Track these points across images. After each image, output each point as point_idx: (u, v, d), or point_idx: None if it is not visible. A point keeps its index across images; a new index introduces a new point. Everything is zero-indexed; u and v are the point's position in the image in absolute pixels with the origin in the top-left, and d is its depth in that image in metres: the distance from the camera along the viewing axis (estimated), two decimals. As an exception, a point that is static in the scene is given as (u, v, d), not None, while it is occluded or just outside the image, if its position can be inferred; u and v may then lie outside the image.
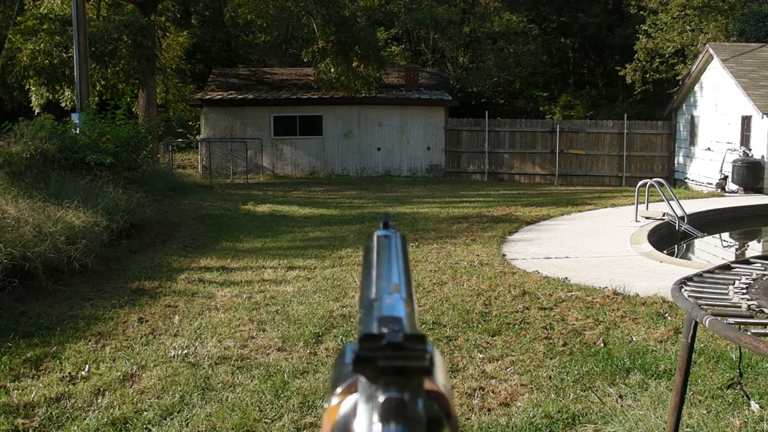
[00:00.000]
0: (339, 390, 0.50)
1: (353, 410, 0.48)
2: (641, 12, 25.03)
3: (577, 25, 29.68)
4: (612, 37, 29.86)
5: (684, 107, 20.42)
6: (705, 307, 2.77)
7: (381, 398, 0.47)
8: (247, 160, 20.57)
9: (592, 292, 6.68)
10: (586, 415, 3.93)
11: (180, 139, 25.19)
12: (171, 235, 10.38)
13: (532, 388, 4.32)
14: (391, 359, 0.47)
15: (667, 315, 5.80)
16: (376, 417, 0.46)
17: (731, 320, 2.63)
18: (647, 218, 11.48)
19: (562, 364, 4.71)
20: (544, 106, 30.73)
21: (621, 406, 4.03)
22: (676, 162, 20.69)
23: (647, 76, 25.13)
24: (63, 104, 17.91)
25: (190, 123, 26.49)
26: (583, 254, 8.83)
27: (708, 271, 3.36)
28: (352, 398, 0.49)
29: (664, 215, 11.43)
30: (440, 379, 0.50)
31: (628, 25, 28.14)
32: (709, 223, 12.30)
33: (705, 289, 3.07)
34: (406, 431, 0.46)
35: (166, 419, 3.94)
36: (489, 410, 4.01)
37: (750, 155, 16.69)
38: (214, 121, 21.38)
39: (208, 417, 3.95)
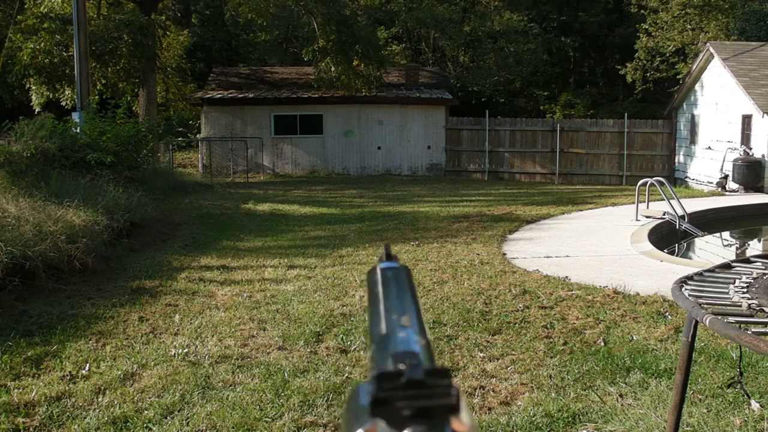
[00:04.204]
0: None
1: None
2: (642, 11, 25.01)
3: (578, 24, 29.67)
4: (612, 36, 29.85)
5: (684, 106, 20.41)
6: (705, 306, 2.77)
7: None
8: (248, 159, 20.57)
9: (592, 291, 6.68)
10: (587, 414, 3.93)
11: (180, 138, 25.18)
12: (171, 234, 10.38)
13: (532, 387, 4.32)
14: (413, 399, 0.42)
15: (667, 314, 5.80)
16: None
17: (732, 319, 2.63)
18: (648, 217, 11.48)
19: (563, 363, 4.71)
20: (545, 105, 30.73)
21: (621, 405, 4.03)
22: (676, 161, 20.68)
23: (648, 75, 25.11)
24: (63, 103, 17.91)
25: (190, 122, 26.49)
26: (584, 253, 8.83)
27: (708, 270, 3.36)
28: None
29: (664, 214, 11.42)
30: (466, 418, 0.45)
31: (628, 24, 28.13)
32: (710, 222, 12.30)
33: (705, 288, 3.07)
34: None
35: (166, 418, 3.94)
36: (489, 409, 4.01)
37: (750, 154, 16.69)
38: (215, 120, 21.38)
39: (209, 416, 3.95)
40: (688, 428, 3.71)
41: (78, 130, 12.79)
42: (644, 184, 11.90)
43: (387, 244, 0.69)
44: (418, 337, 0.51)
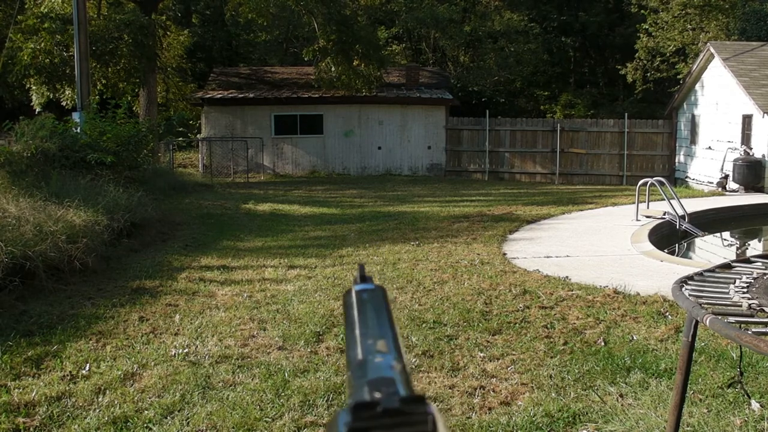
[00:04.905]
0: None
1: None
2: (642, 11, 25.02)
3: (578, 24, 29.67)
4: (613, 36, 29.85)
5: (685, 106, 20.41)
6: (706, 306, 2.77)
7: None
8: (248, 159, 20.58)
9: (592, 291, 6.68)
10: (587, 414, 3.93)
11: (180, 138, 25.20)
12: (172, 234, 10.38)
13: (532, 387, 4.32)
14: (390, 428, 0.43)
15: (667, 314, 5.80)
16: None
17: (732, 319, 2.63)
18: (648, 217, 11.47)
19: (563, 363, 4.71)
20: (545, 105, 30.73)
21: (622, 405, 4.02)
22: (676, 161, 20.68)
23: (648, 75, 25.11)
24: (64, 103, 17.92)
25: (190, 122, 26.51)
26: (584, 253, 8.83)
27: (709, 270, 3.36)
28: None
29: (664, 214, 11.42)
30: None
31: (629, 23, 28.13)
32: (710, 222, 12.29)
33: (706, 288, 3.06)
34: None
35: (166, 418, 3.94)
36: (490, 409, 4.01)
37: (751, 154, 16.68)
38: (215, 120, 21.38)
39: (209, 416, 3.95)
40: (688, 428, 3.71)
41: (78, 130, 12.80)
42: (644, 184, 11.89)
43: (361, 265, 0.68)
44: (395, 362, 0.51)
